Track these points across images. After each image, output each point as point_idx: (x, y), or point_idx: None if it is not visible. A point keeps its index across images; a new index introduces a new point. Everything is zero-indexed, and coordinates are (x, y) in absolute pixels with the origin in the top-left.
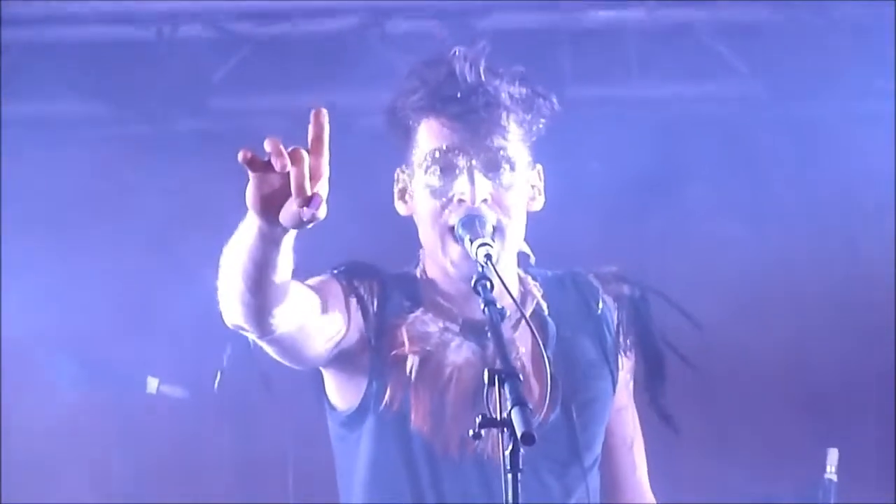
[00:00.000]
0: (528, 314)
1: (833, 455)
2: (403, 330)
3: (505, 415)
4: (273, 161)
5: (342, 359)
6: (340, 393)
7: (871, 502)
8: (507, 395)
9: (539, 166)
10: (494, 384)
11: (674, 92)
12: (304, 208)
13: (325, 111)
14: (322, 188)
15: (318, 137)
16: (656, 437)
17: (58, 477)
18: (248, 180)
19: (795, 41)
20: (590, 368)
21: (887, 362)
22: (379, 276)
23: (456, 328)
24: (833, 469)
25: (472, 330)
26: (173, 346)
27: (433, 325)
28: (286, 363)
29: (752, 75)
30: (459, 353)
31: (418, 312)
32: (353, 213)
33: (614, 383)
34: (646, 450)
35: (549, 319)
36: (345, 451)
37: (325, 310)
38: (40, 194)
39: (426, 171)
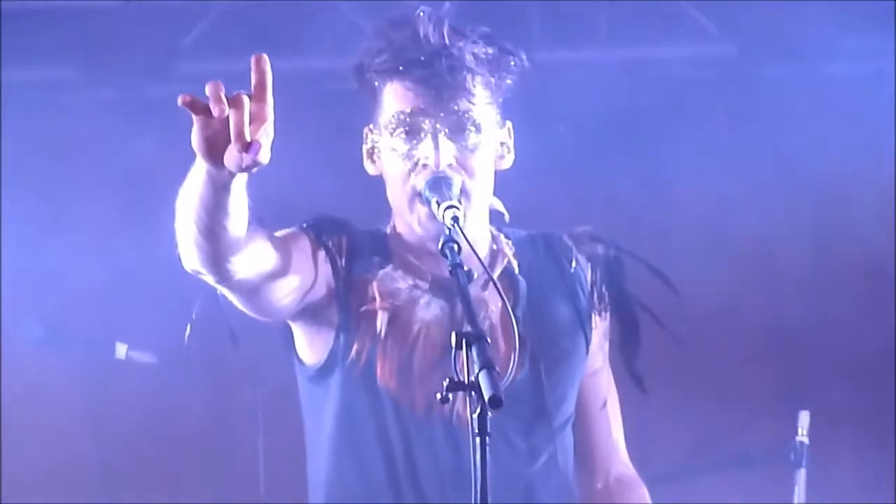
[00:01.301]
0: (498, 272)
1: (805, 418)
2: (374, 285)
3: (472, 378)
4: (211, 106)
5: (310, 312)
6: (309, 347)
7: (842, 464)
8: (475, 359)
9: (509, 123)
10: (462, 347)
11: (644, 54)
12: (244, 154)
13: (265, 56)
14: (265, 134)
15: (261, 83)
16: (629, 394)
17: (22, 443)
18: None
19: (766, 2)
20: (561, 327)
21: (861, 324)
22: (348, 231)
23: (425, 285)
24: (805, 432)
25: (441, 287)
26: (143, 311)
27: (402, 282)
28: (252, 313)
29: (723, 37)
30: (428, 310)
31: (388, 269)
32: (325, 175)
33: (587, 343)
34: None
35: (521, 277)
36: (312, 406)
37: (291, 261)
38: (7, 160)
39: (392, 134)
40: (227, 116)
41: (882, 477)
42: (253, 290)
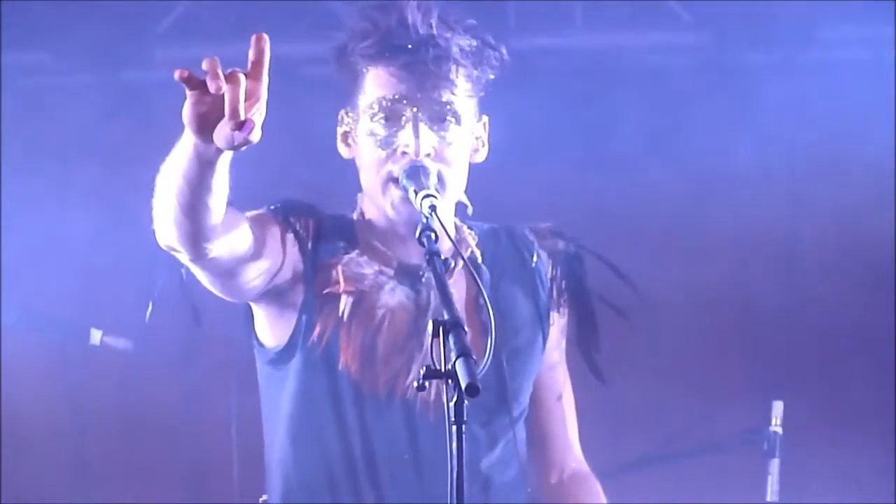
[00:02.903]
0: (461, 263)
1: (778, 408)
2: (339, 269)
3: (449, 366)
4: (208, 81)
5: (274, 293)
6: (270, 329)
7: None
8: (452, 346)
9: (485, 118)
10: (439, 334)
11: (619, 42)
12: (237, 132)
13: (265, 36)
14: (258, 112)
15: (258, 61)
16: (599, 383)
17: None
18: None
19: None
20: (521, 319)
21: (836, 313)
22: (315, 215)
23: (390, 272)
24: (778, 421)
25: (406, 274)
26: (119, 295)
27: (368, 268)
28: (217, 292)
29: (698, 25)
30: (393, 295)
31: (353, 254)
32: (296, 158)
33: (545, 337)
34: (590, 396)
35: (484, 267)
36: (271, 390)
37: (260, 243)
38: None
39: (371, 119)
40: (222, 93)
41: (854, 468)
42: (224, 271)
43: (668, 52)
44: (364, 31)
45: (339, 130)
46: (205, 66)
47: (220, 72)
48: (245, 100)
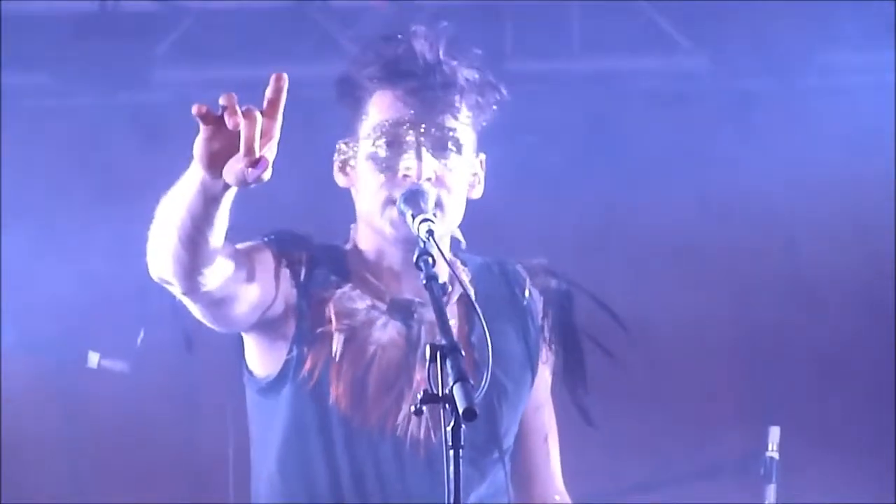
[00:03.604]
0: (455, 298)
1: (775, 433)
2: (331, 305)
3: (447, 390)
4: (226, 117)
5: (266, 325)
6: (261, 359)
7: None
8: (449, 371)
9: (482, 155)
10: (436, 359)
11: (616, 66)
12: (250, 169)
13: (285, 76)
14: (270, 151)
15: (275, 101)
16: (598, 407)
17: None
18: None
19: (738, 15)
20: (511, 358)
21: (830, 340)
22: (309, 247)
23: (383, 306)
24: (775, 447)
25: (398, 309)
26: (116, 317)
27: (360, 302)
28: (208, 323)
29: (695, 50)
30: (384, 331)
31: (346, 288)
32: (292, 183)
33: (533, 376)
34: (586, 419)
35: (475, 303)
36: (260, 419)
37: (253, 276)
38: None
39: (373, 143)
40: (236, 129)
41: (851, 493)
42: (215, 303)
43: (665, 77)
44: (368, 60)
45: (337, 159)
46: (223, 101)
47: (238, 108)
48: (260, 138)
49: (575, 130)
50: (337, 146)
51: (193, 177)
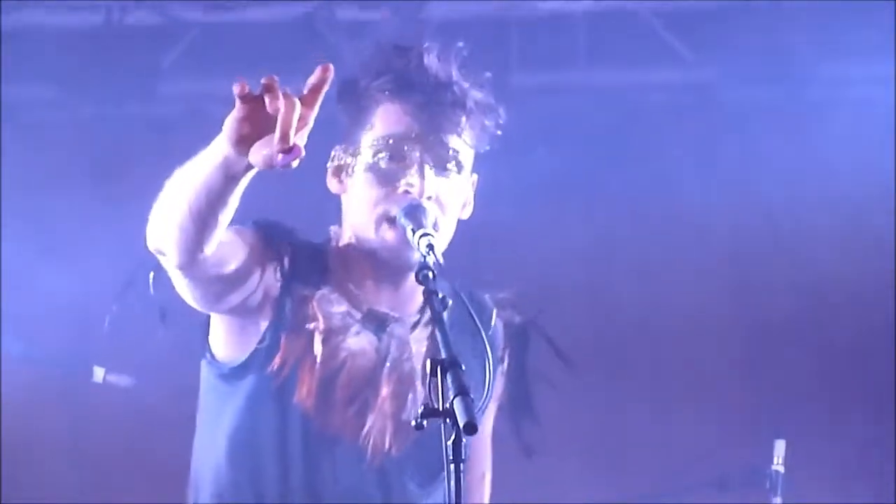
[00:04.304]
0: (427, 318)
1: (780, 447)
2: (314, 303)
3: (447, 405)
4: (267, 99)
5: (242, 308)
6: (228, 343)
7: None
8: (449, 385)
9: (475, 176)
10: (436, 373)
11: (620, 79)
12: (282, 155)
13: (332, 67)
14: (303, 139)
15: (317, 89)
16: (606, 418)
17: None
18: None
19: (741, 28)
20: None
21: (838, 356)
22: (293, 240)
23: (358, 315)
24: (780, 461)
25: (372, 321)
26: (117, 334)
27: (337, 306)
28: (190, 300)
29: (699, 62)
30: (357, 340)
31: (325, 290)
32: (293, 193)
33: (484, 406)
34: (597, 432)
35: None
36: (214, 404)
37: (241, 258)
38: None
39: (374, 155)
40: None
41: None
42: (204, 281)
43: (671, 89)
44: (381, 69)
45: (331, 165)
46: (266, 81)
47: (279, 92)
48: (295, 124)
49: (580, 143)
50: (333, 151)
51: (217, 152)
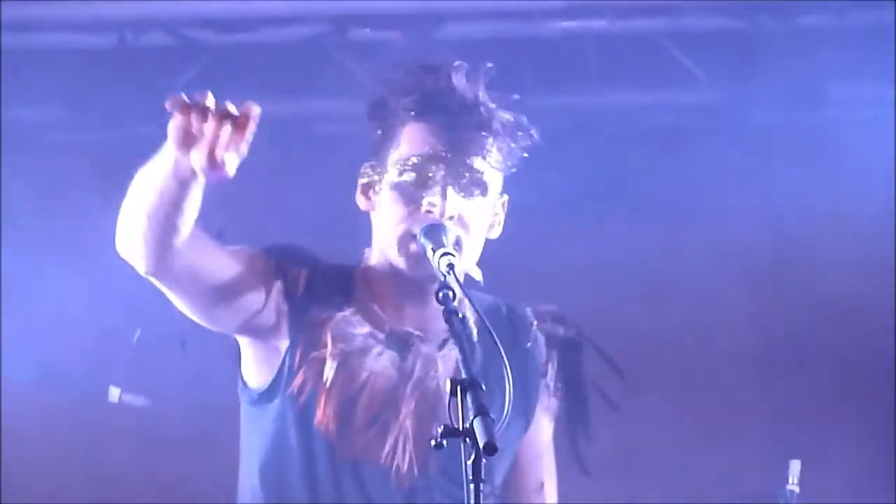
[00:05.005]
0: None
1: (795, 467)
2: (328, 328)
3: (467, 425)
4: (193, 117)
5: (258, 332)
6: (255, 368)
7: None
8: (470, 405)
9: (505, 196)
10: (456, 393)
11: (634, 101)
12: (207, 169)
13: (258, 110)
14: (232, 159)
15: (244, 122)
16: (619, 439)
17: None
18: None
19: (754, 50)
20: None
21: (850, 377)
22: (310, 264)
23: (381, 335)
24: (795, 481)
25: (396, 340)
26: (137, 351)
27: (359, 328)
28: (192, 315)
29: (712, 84)
30: (378, 360)
31: (347, 312)
32: (312, 214)
33: (528, 421)
34: (607, 451)
35: (478, 345)
36: (250, 430)
37: (239, 275)
38: (0, 198)
39: (400, 174)
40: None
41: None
42: (187, 293)
43: (682, 111)
44: (409, 87)
45: (361, 182)
46: (196, 98)
47: (209, 111)
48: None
49: (592, 164)
50: (362, 169)
51: (167, 157)
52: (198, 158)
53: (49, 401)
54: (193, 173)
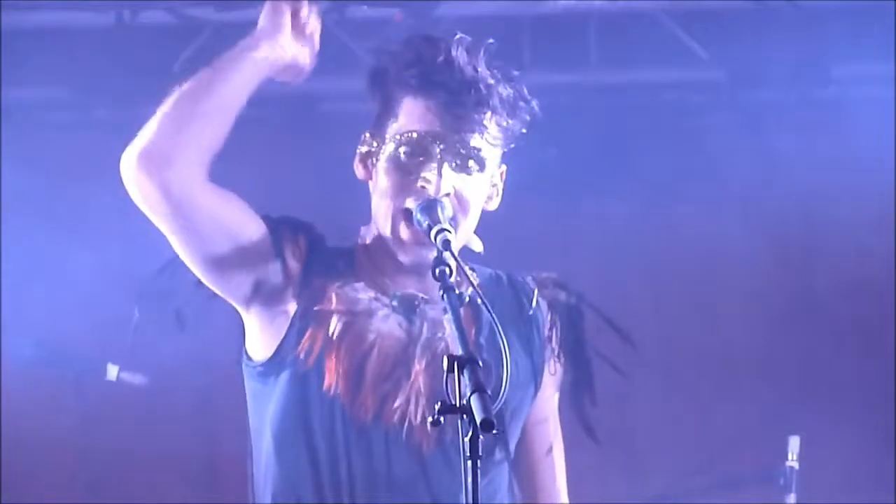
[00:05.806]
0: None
1: (794, 443)
2: (332, 291)
3: (464, 401)
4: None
5: (265, 298)
6: (260, 336)
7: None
8: (467, 382)
9: (503, 167)
10: (453, 370)
11: (633, 78)
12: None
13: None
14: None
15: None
16: (617, 417)
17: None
18: None
19: (755, 28)
20: (513, 364)
21: (850, 354)
22: (308, 232)
23: (386, 300)
24: (794, 457)
25: (401, 303)
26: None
27: (363, 293)
28: (208, 277)
29: (712, 62)
30: (385, 322)
31: (351, 279)
32: (313, 193)
33: (537, 387)
34: (607, 434)
35: (483, 308)
36: (258, 406)
37: (261, 236)
38: (2, 179)
39: (396, 147)
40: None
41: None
42: (202, 219)
43: (683, 89)
44: (409, 60)
45: (360, 150)
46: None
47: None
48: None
49: (592, 142)
50: (362, 136)
51: (246, 49)
52: (289, 43)
53: (48, 379)
54: (272, 65)
